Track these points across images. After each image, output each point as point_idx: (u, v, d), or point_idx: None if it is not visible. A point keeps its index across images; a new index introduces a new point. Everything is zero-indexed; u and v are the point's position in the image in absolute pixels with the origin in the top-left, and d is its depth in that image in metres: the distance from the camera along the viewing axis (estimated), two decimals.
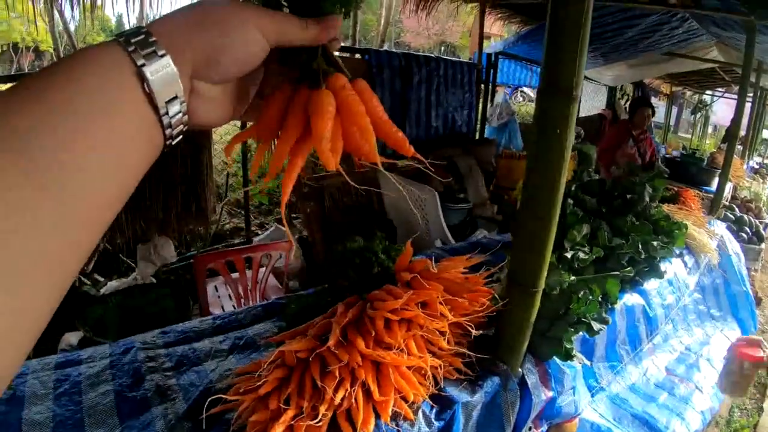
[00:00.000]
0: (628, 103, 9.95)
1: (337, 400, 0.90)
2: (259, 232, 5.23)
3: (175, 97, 0.43)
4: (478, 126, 6.39)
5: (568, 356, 1.26)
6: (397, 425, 0.98)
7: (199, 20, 0.46)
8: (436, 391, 1.06)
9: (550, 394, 1.27)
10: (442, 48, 24.15)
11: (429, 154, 0.66)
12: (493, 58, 6.23)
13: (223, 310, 2.96)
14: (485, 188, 5.20)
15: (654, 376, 2.00)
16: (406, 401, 1.00)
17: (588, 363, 1.52)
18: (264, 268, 3.06)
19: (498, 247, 1.35)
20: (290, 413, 0.89)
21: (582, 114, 9.47)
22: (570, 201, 1.83)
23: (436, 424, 1.03)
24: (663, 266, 1.91)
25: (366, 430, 0.92)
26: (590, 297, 1.28)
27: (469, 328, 1.07)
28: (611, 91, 10.67)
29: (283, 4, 0.56)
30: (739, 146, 5.51)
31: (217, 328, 1.41)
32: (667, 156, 6.75)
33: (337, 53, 0.60)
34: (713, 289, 2.72)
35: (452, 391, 1.09)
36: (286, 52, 0.55)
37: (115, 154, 0.38)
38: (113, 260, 4.16)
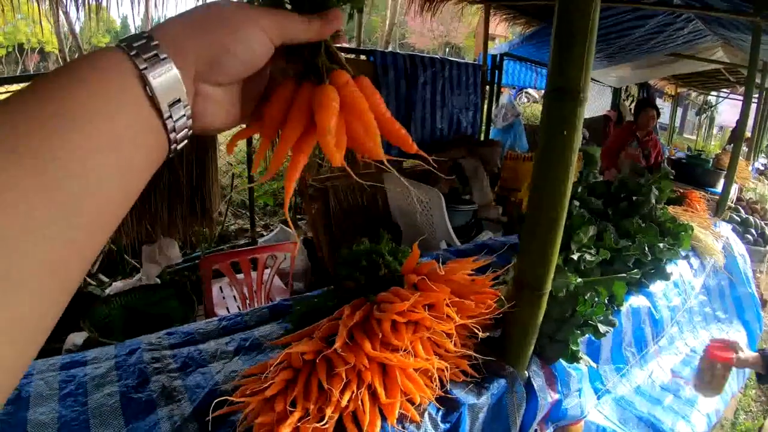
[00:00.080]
0: (633, 104, 9.94)
1: (344, 402, 0.90)
2: (264, 233, 5.23)
3: (179, 101, 0.44)
4: (483, 127, 6.38)
5: (574, 358, 1.26)
6: (403, 427, 0.97)
7: (201, 22, 0.47)
8: (443, 393, 1.05)
9: (556, 396, 1.26)
10: (447, 49, 24.18)
11: (434, 156, 0.66)
12: (498, 60, 6.22)
13: (228, 311, 2.97)
14: (490, 189, 5.19)
15: (659, 378, 1.99)
16: (413, 403, 1.00)
17: (594, 365, 1.52)
18: (269, 269, 3.07)
19: (505, 248, 1.34)
20: (296, 415, 0.89)
21: (587, 115, 9.41)
22: (576, 203, 1.83)
23: (443, 426, 1.02)
24: (669, 268, 1.90)
25: None
26: (597, 299, 1.27)
27: (476, 330, 1.07)
28: (616, 92, 10.64)
29: (285, 3, 0.56)
30: (745, 147, 5.49)
31: (222, 330, 1.41)
32: (672, 157, 6.73)
33: (341, 54, 0.61)
34: (719, 291, 2.70)
35: (458, 393, 1.09)
36: (290, 49, 0.55)
37: (118, 157, 0.38)
38: (118, 261, 4.16)
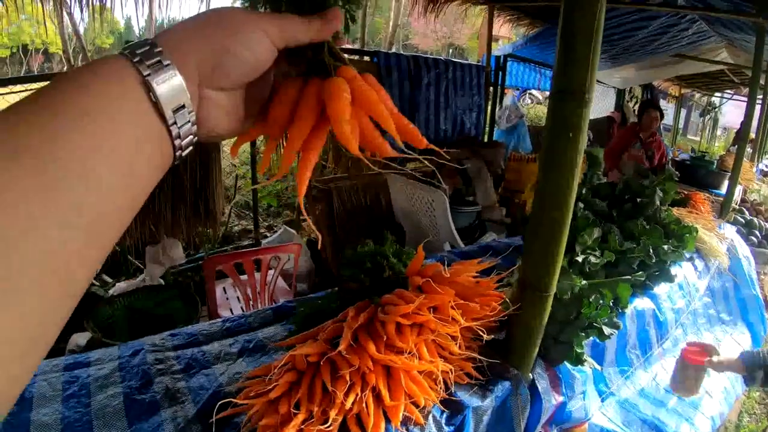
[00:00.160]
0: (637, 105, 9.92)
1: (348, 405, 0.90)
2: (268, 234, 5.23)
3: (183, 107, 0.44)
4: (487, 129, 6.37)
5: (578, 361, 1.25)
6: (407, 430, 0.97)
7: (204, 28, 0.47)
8: (447, 396, 1.05)
9: (561, 398, 1.26)
10: (450, 50, 24.18)
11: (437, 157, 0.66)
12: (501, 61, 6.21)
13: (232, 312, 2.97)
14: (494, 191, 5.18)
15: (663, 380, 1.98)
16: (417, 406, 1.00)
17: (598, 368, 1.51)
18: (273, 270, 3.06)
19: (509, 250, 1.34)
20: (300, 417, 0.89)
21: (591, 117, 9.42)
22: (580, 204, 1.82)
23: (447, 428, 1.02)
24: (673, 270, 1.90)
25: None
26: (601, 301, 1.27)
27: (480, 333, 1.06)
28: (620, 93, 10.61)
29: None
30: (749, 149, 5.46)
31: (226, 331, 1.41)
32: (676, 159, 6.70)
33: (345, 55, 0.61)
34: (723, 293, 2.69)
35: (463, 396, 1.08)
36: (292, 52, 0.56)
37: (121, 161, 0.38)
38: (121, 261, 4.17)
